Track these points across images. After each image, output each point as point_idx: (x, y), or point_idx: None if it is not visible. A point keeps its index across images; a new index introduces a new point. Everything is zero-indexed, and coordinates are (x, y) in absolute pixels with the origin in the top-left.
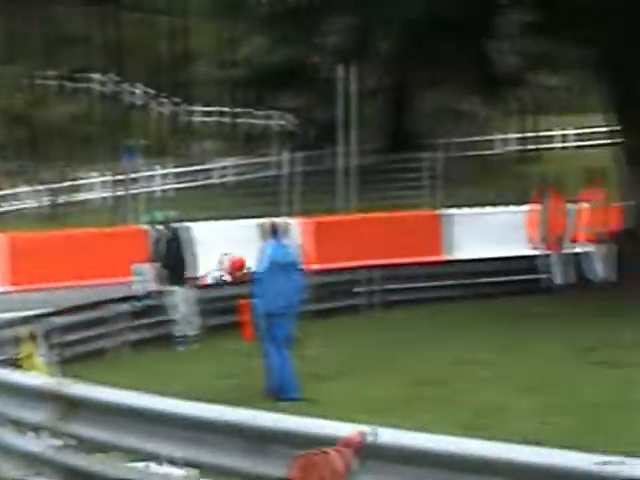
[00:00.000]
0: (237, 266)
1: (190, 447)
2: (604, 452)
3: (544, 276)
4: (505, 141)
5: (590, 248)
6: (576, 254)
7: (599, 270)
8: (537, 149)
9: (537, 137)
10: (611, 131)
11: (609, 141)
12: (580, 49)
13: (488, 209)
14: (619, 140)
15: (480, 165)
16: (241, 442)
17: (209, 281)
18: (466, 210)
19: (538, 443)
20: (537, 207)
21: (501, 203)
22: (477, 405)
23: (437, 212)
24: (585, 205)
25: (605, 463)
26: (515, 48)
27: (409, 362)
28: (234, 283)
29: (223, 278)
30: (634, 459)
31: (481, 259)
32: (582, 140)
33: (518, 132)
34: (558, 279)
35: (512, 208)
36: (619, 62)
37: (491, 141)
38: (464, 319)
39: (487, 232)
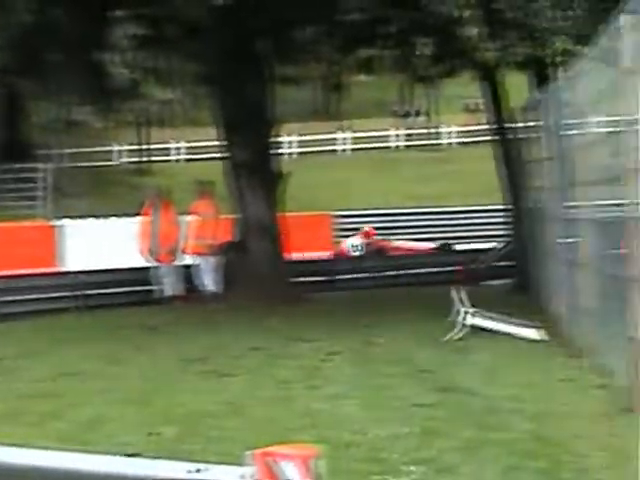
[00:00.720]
0: (370, 234)
1: None
2: (200, 460)
3: (156, 288)
4: (121, 153)
5: (200, 260)
6: (187, 266)
7: (209, 282)
8: (151, 161)
9: (151, 149)
10: (221, 145)
11: (219, 155)
12: (190, 64)
13: (102, 220)
14: (227, 154)
15: (96, 176)
16: None
17: (347, 247)
18: (80, 221)
19: (138, 454)
20: (148, 219)
21: (116, 215)
22: (83, 418)
23: (51, 223)
24: (196, 217)
25: (197, 470)
26: (128, 61)
27: (14, 376)
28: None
29: (357, 244)
30: (221, 466)
31: (95, 270)
32: (195, 153)
33: (133, 144)
34: (169, 291)
35: (127, 220)
36: (226, 78)
37: (107, 152)
38: (75, 331)
39: (101, 243)
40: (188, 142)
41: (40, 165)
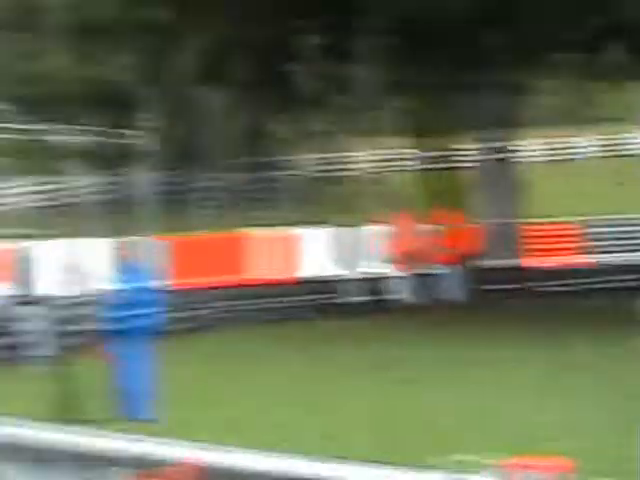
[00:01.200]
0: None
1: None
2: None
3: (393, 297)
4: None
5: (443, 269)
6: (428, 274)
7: (450, 290)
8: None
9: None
10: (459, 155)
11: (459, 165)
12: (392, 72)
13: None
14: (470, 164)
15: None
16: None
17: None
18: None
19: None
20: (399, 228)
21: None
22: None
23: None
24: (437, 227)
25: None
26: (319, 71)
27: (236, 391)
28: None
29: None
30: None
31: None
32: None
33: (336, 153)
34: (411, 298)
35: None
36: (463, 87)
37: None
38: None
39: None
40: (420, 152)
41: (279, 173)
